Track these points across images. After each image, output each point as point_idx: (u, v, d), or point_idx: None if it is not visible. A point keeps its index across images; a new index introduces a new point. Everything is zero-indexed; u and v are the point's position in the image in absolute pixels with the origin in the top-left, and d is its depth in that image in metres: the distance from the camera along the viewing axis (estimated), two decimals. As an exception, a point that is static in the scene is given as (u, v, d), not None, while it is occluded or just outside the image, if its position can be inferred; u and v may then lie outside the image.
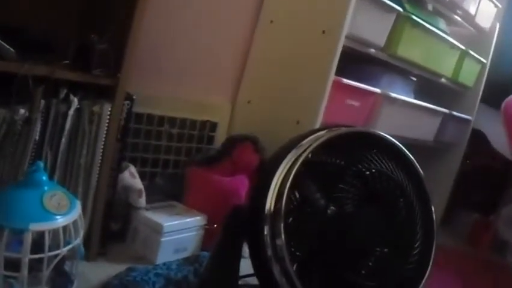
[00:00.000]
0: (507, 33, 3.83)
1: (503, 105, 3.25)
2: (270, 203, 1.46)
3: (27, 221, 1.31)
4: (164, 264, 1.96)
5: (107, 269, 1.88)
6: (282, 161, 1.51)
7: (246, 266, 1.64)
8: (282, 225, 1.42)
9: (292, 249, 1.44)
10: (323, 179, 1.52)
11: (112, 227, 2.08)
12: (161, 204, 2.26)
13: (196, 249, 2.20)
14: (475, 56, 3.49)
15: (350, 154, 1.58)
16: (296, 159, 1.49)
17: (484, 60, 3.64)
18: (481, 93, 3.75)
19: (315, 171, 1.53)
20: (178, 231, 2.11)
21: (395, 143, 1.68)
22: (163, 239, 2.05)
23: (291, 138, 1.64)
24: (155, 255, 2.05)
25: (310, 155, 1.50)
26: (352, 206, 1.52)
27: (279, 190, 1.47)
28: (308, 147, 1.51)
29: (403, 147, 1.69)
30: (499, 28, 3.69)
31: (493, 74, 3.76)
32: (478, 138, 3.93)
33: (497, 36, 3.69)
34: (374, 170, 1.58)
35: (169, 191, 2.44)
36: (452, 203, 3.80)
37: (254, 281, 1.66)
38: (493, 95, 3.64)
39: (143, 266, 1.89)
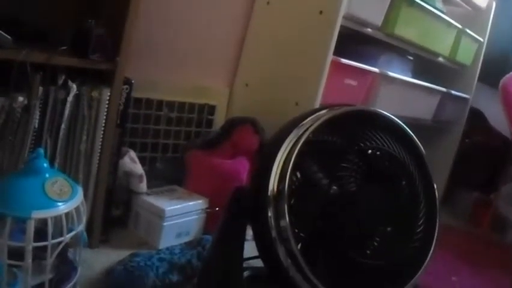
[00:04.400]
0: (503, 12, 3.82)
1: (500, 83, 3.25)
2: (272, 184, 1.46)
3: (29, 209, 1.29)
4: (167, 248, 1.95)
5: (111, 256, 1.88)
6: (283, 142, 1.51)
7: (250, 249, 1.64)
8: (285, 206, 1.41)
9: (297, 230, 1.44)
10: (325, 159, 1.52)
11: (113, 213, 2.07)
12: (162, 189, 2.27)
13: (199, 233, 2.21)
14: (471, 35, 3.48)
15: (352, 133, 1.57)
16: (298, 140, 1.48)
17: (481, 39, 3.63)
18: (478, 71, 3.74)
19: (317, 151, 1.52)
20: (180, 215, 2.12)
21: (397, 121, 1.67)
22: (165, 224, 2.06)
23: (292, 118, 1.64)
24: (157, 240, 2.06)
25: (311, 135, 1.49)
26: (355, 185, 1.52)
27: (281, 171, 1.46)
28: (309, 126, 1.50)
29: (404, 125, 1.68)
30: (496, 6, 3.68)
31: (490, 53, 3.76)
32: (477, 117, 3.94)
33: (494, 15, 3.68)
34: (376, 149, 1.57)
35: (170, 175, 2.45)
36: (452, 182, 3.80)
37: (259, 263, 1.66)
38: (490, 74, 3.64)
39: (147, 251, 1.88)
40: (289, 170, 1.43)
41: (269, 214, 1.44)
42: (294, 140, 1.49)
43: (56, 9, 1.88)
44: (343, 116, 1.58)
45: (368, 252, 1.54)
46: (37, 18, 1.79)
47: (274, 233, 1.43)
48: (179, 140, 2.65)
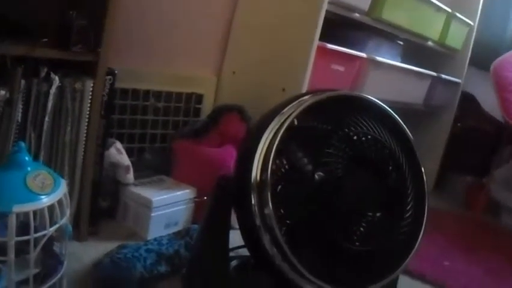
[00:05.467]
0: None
1: (492, 67, 3.26)
2: (256, 171, 1.45)
3: (10, 203, 1.28)
4: (155, 239, 1.95)
5: (99, 248, 1.88)
6: (266, 129, 1.50)
7: (238, 238, 1.63)
8: (269, 193, 1.40)
9: (282, 218, 1.43)
10: (309, 145, 1.50)
11: (101, 205, 2.07)
12: (150, 179, 2.27)
13: (187, 223, 2.21)
14: (461, 18, 3.47)
15: (336, 118, 1.56)
16: (280, 126, 1.46)
17: (471, 23, 3.63)
18: (469, 55, 3.74)
19: (301, 136, 1.51)
20: (168, 205, 2.12)
21: (381, 105, 1.66)
22: (153, 214, 2.05)
23: (275, 105, 1.63)
24: (146, 230, 2.06)
25: (295, 121, 1.48)
26: (340, 170, 1.51)
27: (264, 158, 1.45)
28: (292, 112, 1.49)
29: (389, 109, 1.67)
30: (485, -10, 3.67)
31: (481, 36, 3.75)
32: (468, 101, 3.94)
33: (484, -2, 3.68)
34: (361, 134, 1.56)
35: (158, 166, 2.44)
36: (444, 167, 3.80)
37: (246, 252, 1.65)
38: (481, 57, 3.64)
39: (135, 243, 1.88)
40: (271, 157, 1.42)
41: (253, 202, 1.43)
42: (277, 126, 1.48)
43: (37, 1, 1.86)
44: (326, 101, 1.56)
45: (355, 238, 1.53)
46: (18, 10, 1.77)
47: (258, 221, 1.42)
48: (167, 130, 2.64)
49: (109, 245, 1.88)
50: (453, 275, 2.36)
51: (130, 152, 2.24)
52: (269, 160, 1.42)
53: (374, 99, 1.65)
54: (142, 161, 2.47)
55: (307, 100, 1.54)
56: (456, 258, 2.56)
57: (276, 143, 1.43)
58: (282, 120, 1.49)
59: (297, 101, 1.57)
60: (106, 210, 2.13)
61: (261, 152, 1.46)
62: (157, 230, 2.07)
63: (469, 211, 3.60)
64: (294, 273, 1.42)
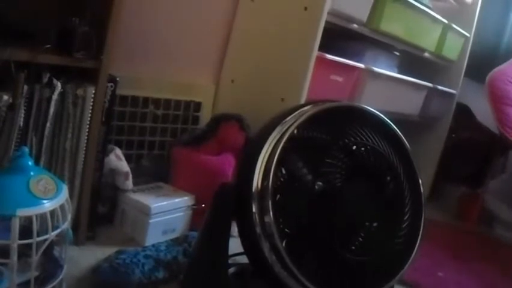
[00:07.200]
0: (490, 7, 3.83)
1: (487, 78, 3.26)
2: (257, 180, 1.46)
3: (14, 207, 1.29)
4: (153, 245, 1.96)
5: (97, 253, 1.88)
6: (267, 138, 1.51)
7: (235, 245, 1.64)
8: (270, 202, 1.41)
9: (281, 226, 1.44)
10: (309, 155, 1.52)
11: (99, 211, 2.07)
12: (148, 186, 2.27)
13: (185, 230, 2.21)
14: (458, 30, 3.48)
15: (336, 129, 1.58)
16: (282, 136, 1.48)
17: (467, 34, 3.64)
18: (465, 67, 3.75)
19: (301, 146, 1.52)
20: (166, 212, 2.12)
21: (381, 116, 1.67)
22: (151, 221, 2.05)
23: (276, 114, 1.64)
24: (143, 237, 2.06)
25: (295, 131, 1.50)
26: (339, 180, 1.52)
27: (265, 167, 1.46)
28: (293, 123, 1.50)
29: (388, 121, 1.69)
30: (482, 1, 3.68)
31: (476, 48, 3.77)
32: (463, 112, 3.94)
33: (480, 10, 3.69)
34: (361, 145, 1.58)
35: (156, 173, 2.45)
36: (439, 177, 3.81)
37: (244, 259, 1.66)
38: (477, 69, 3.65)
39: (133, 248, 1.89)
40: (273, 166, 1.43)
41: (253, 210, 1.45)
42: (278, 136, 1.50)
43: (40, 7, 1.87)
44: (327, 112, 1.58)
45: (353, 248, 1.55)
46: (21, 16, 1.78)
47: (258, 229, 1.44)
48: (165, 137, 2.65)
49: (106, 250, 1.89)
50: (447, 285, 2.37)
51: (128, 159, 2.23)
52: (270, 169, 1.43)
53: (373, 110, 1.67)
54: (140, 167, 2.48)
55: (308, 110, 1.55)
56: (450, 269, 2.57)
57: (278, 152, 1.45)
58: (283, 130, 1.50)
59: (298, 111, 1.59)
60: (104, 216, 2.13)
61: (262, 161, 1.48)
62: (154, 236, 2.07)
63: (463, 222, 3.61)
64: (293, 281, 1.43)
